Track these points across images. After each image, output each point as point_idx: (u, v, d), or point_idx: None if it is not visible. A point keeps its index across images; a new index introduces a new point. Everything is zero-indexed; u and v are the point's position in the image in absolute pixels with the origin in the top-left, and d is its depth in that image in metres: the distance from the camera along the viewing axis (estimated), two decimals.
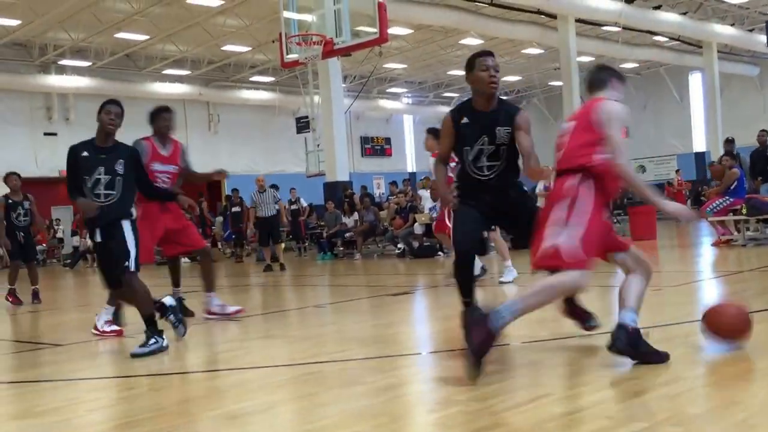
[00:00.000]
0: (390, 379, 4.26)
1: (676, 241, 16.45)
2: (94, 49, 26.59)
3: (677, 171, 29.51)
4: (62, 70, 27.30)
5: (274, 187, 15.61)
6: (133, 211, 5.68)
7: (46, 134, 27.33)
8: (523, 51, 30.85)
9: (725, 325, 4.21)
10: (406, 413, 3.61)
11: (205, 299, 7.23)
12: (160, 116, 7.02)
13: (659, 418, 3.14)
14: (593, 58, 32.19)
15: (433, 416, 3.48)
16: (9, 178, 10.45)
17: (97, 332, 6.42)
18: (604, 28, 27.13)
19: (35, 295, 10.34)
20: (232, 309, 7.21)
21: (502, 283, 8.82)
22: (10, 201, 10.39)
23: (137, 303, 5.55)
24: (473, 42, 28.71)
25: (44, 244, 24.55)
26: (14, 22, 23.11)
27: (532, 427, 3.13)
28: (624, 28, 25.06)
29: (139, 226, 5.72)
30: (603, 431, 3.02)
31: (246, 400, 3.87)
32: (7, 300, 10.16)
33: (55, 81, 27.03)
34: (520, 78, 36.75)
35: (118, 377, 4.97)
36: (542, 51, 30.39)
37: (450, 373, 4.36)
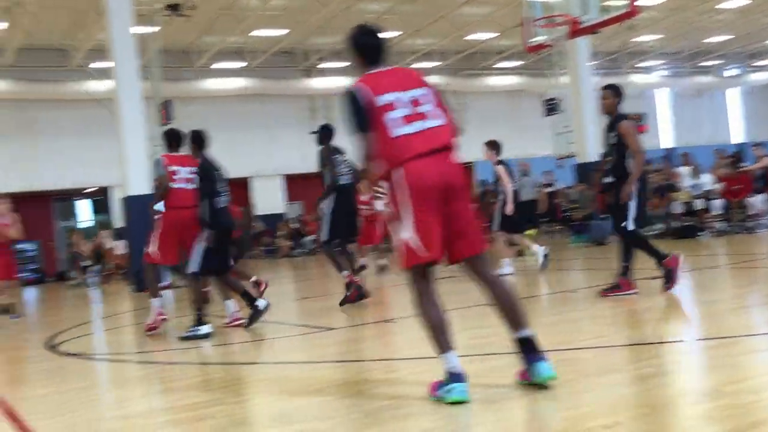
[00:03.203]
0: (650, 367, 4.07)
1: None
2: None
3: None
4: (323, 72, 29.25)
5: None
6: None
7: (311, 133, 29.37)
8: None
9: None
10: (669, 404, 3.42)
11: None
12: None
13: None
14: None
15: (699, 408, 3.28)
16: None
17: None
18: None
19: None
20: None
21: None
22: None
23: None
24: (734, 4, 26.36)
25: (313, 234, 26.46)
26: (280, 32, 25.15)
27: None
28: None
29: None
30: None
31: (502, 386, 3.90)
32: None
33: (317, 83, 29.04)
34: None
35: (382, 360, 5.24)
36: None
37: (718, 362, 4.09)
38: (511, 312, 3.82)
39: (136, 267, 14.84)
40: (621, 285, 7.05)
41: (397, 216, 3.79)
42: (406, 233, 3.75)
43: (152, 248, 7.60)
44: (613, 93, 7.30)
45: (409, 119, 3.84)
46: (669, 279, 6.89)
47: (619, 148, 7.02)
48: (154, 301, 7.65)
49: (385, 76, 3.99)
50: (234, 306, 7.50)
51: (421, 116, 3.86)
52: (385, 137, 3.82)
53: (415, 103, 3.89)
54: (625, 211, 6.95)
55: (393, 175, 3.81)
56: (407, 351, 5.51)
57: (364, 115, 3.85)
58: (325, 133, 8.75)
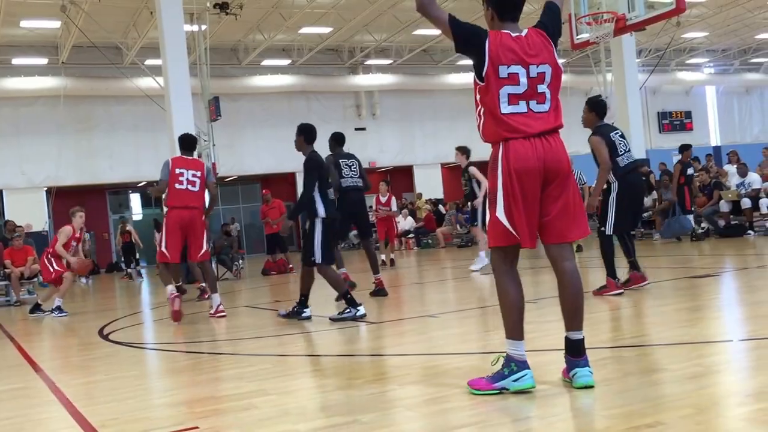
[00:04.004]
0: (695, 367, 3.98)
1: None
2: (395, 47, 28.14)
3: None
4: (368, 69, 29.27)
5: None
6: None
7: (356, 129, 29.53)
8: None
9: None
10: (714, 405, 3.34)
11: None
12: None
13: None
14: None
15: (744, 410, 3.19)
16: None
17: None
18: None
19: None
20: None
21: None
22: None
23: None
24: None
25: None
26: (326, 30, 25.24)
27: None
28: None
29: None
30: None
31: (545, 382, 3.86)
32: None
33: (362, 80, 29.09)
34: None
35: (423, 354, 5.23)
36: None
37: (765, 363, 3.98)
38: (571, 310, 3.76)
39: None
40: (631, 279, 7.38)
41: (493, 193, 3.68)
42: (497, 213, 3.65)
43: (161, 248, 8.06)
44: (588, 107, 7.58)
45: (524, 97, 3.64)
46: (602, 290, 7.27)
47: (596, 160, 7.36)
48: (168, 287, 7.98)
49: (516, 42, 3.68)
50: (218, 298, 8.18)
51: (538, 97, 3.67)
52: (494, 112, 3.64)
53: (538, 80, 3.67)
54: (605, 217, 7.31)
55: (494, 149, 3.69)
56: (448, 346, 5.48)
57: (475, 44, 3.63)
58: (335, 141, 9.19)
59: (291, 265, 16.07)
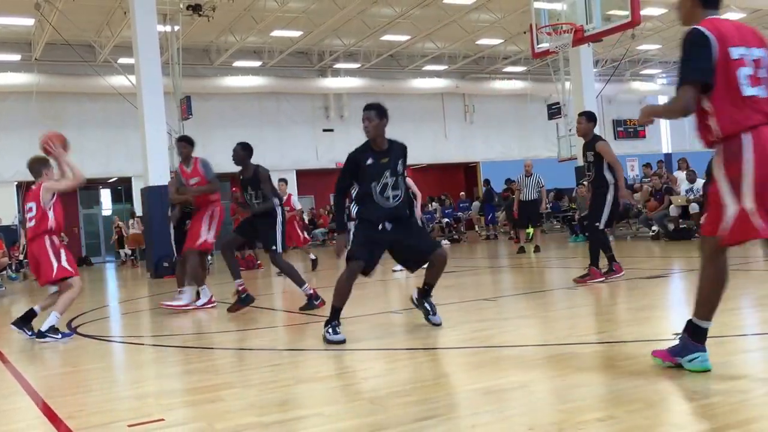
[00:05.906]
0: (644, 364, 4.03)
1: None
2: (363, 52, 28.12)
3: None
4: (337, 72, 29.21)
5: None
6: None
7: (324, 130, 29.42)
8: None
9: None
10: (662, 400, 3.39)
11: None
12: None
13: None
14: None
15: (691, 405, 3.24)
16: None
17: None
18: None
19: None
20: None
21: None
22: None
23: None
24: (735, 15, 26.20)
25: (326, 227, 26.50)
26: (297, 33, 25.12)
27: None
28: None
29: None
30: None
31: (501, 378, 3.88)
32: None
33: (331, 83, 29.01)
34: None
35: (385, 350, 5.22)
36: None
37: (711, 361, 4.05)
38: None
39: (156, 255, 14.85)
40: (615, 270, 8.05)
41: (736, 184, 3.30)
42: (745, 203, 3.28)
43: (204, 238, 8.49)
44: (586, 119, 8.21)
45: (755, 81, 3.33)
46: (585, 277, 7.87)
47: (597, 163, 7.92)
48: (203, 288, 8.31)
49: (731, 26, 3.38)
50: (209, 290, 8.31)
51: (763, 80, 3.36)
52: (735, 95, 3.29)
53: (758, 64, 3.36)
54: (600, 214, 7.84)
55: (731, 143, 3.33)
56: (410, 341, 5.48)
57: (712, 64, 3.29)
58: (250, 152, 8.15)
59: (259, 262, 15.95)
